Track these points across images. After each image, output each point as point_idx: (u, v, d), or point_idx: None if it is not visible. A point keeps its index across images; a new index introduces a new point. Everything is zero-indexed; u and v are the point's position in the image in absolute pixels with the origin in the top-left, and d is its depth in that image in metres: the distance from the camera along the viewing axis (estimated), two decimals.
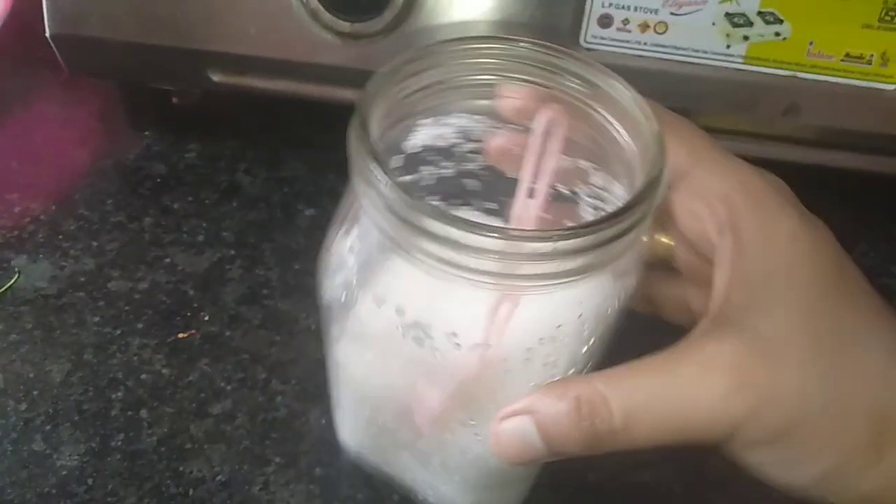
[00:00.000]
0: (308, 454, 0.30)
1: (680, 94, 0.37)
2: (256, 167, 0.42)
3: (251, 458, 0.30)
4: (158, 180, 0.41)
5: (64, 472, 0.29)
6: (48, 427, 0.30)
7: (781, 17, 0.35)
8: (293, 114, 0.43)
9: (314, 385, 0.33)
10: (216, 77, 0.38)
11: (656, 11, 0.35)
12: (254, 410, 0.32)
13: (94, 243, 0.37)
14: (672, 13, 0.35)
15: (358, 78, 0.38)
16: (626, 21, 0.35)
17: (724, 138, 0.39)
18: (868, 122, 0.37)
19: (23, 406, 0.31)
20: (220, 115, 0.44)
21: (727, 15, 0.35)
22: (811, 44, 0.35)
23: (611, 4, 0.35)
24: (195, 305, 0.35)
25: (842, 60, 0.35)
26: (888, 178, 0.39)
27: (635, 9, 0.35)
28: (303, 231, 0.39)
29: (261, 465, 0.30)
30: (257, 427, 0.31)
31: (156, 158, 0.42)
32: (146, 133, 0.43)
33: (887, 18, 0.34)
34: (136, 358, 0.33)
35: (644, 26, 0.35)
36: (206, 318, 0.35)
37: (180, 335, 0.34)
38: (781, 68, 0.36)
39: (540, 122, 0.21)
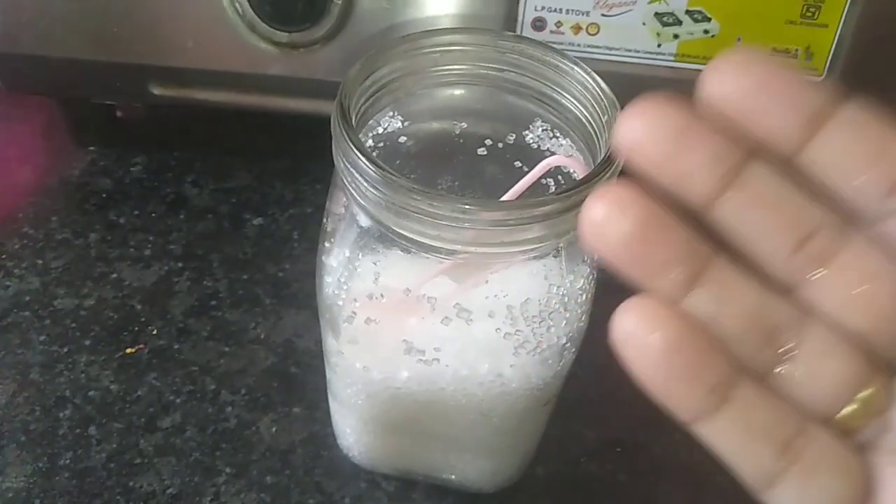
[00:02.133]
0: (258, 463, 0.31)
1: (613, 94, 0.38)
2: (203, 178, 0.42)
3: (201, 469, 0.30)
4: (104, 195, 0.40)
5: (10, 495, 0.29)
6: None
7: (709, 16, 0.36)
8: (239, 124, 0.43)
9: (264, 394, 0.33)
10: (157, 90, 0.38)
11: (588, 13, 0.35)
12: (203, 422, 0.32)
13: (39, 261, 0.37)
14: (603, 14, 0.36)
15: (299, 87, 0.38)
16: (558, 24, 0.36)
17: None
18: None
19: None
20: (165, 127, 0.44)
21: (657, 14, 0.36)
22: (739, 40, 0.36)
23: (543, 7, 0.35)
24: (143, 320, 0.35)
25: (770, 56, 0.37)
26: None
27: (567, 11, 0.35)
28: (251, 241, 0.39)
29: (211, 477, 0.30)
30: (207, 438, 0.31)
31: (101, 173, 0.42)
32: (91, 148, 0.43)
33: (808, 14, 0.36)
34: (83, 375, 0.33)
35: (577, 28, 0.36)
36: (155, 332, 0.35)
37: (128, 350, 0.34)
38: None
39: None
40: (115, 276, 0.37)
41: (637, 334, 0.14)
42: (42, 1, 0.35)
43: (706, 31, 0.36)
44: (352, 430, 0.28)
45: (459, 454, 0.26)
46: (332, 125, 0.20)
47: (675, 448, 0.32)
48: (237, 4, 0.35)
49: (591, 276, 0.21)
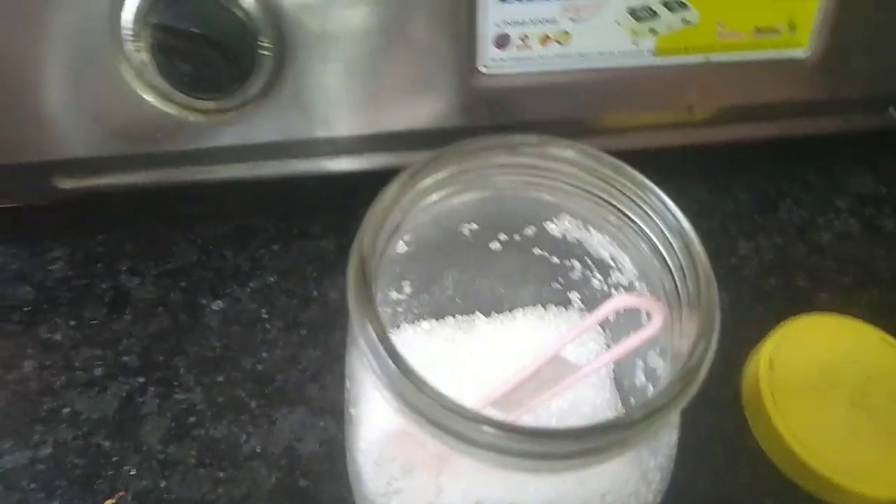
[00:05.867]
0: None
1: (592, 100, 0.34)
2: (141, 262, 0.36)
3: None
4: (27, 308, 0.34)
5: None
6: None
7: (686, 3, 0.32)
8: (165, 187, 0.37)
9: None
10: (64, 185, 0.32)
11: (555, 21, 0.31)
12: None
13: None
14: (572, 19, 0.31)
15: (234, 153, 0.33)
16: (524, 37, 0.31)
17: (640, 133, 0.37)
18: (787, 91, 0.36)
19: None
20: (79, 206, 0.38)
21: (630, 10, 0.32)
22: (719, 24, 0.33)
23: (504, 22, 0.31)
24: (115, 459, 0.30)
25: (752, 35, 0.33)
26: (806, 137, 0.39)
27: (532, 22, 0.31)
28: (216, 332, 0.34)
29: None
30: None
31: (17, 280, 0.35)
32: None
33: None
34: None
35: (545, 39, 0.32)
36: (133, 472, 0.30)
37: (107, 503, 0.29)
38: (693, 54, 0.33)
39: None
40: (67, 410, 0.32)
41: None
42: None
43: (684, 21, 0.32)
44: None
45: None
46: (349, 301, 0.16)
47: None
48: (144, 77, 0.28)
49: (676, 441, 0.19)
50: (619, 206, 0.18)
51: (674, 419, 0.18)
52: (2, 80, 0.28)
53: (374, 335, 0.15)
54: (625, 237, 0.19)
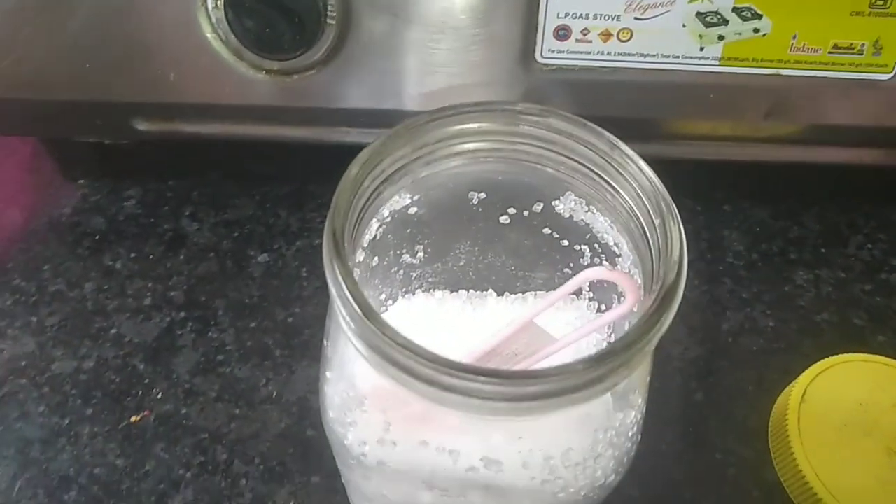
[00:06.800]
0: None
1: (651, 103, 0.34)
2: (202, 210, 0.39)
3: None
4: (97, 237, 0.38)
5: None
6: None
7: (760, 12, 0.31)
8: (236, 145, 0.40)
9: (279, 462, 0.31)
10: (142, 126, 0.35)
11: (618, 17, 0.31)
12: (217, 498, 0.30)
13: (34, 319, 0.35)
14: (637, 18, 0.31)
15: (296, 115, 0.35)
16: (585, 31, 0.31)
17: (703, 144, 0.36)
18: (862, 116, 0.34)
19: None
20: (158, 153, 0.41)
21: (699, 14, 0.31)
22: (794, 37, 0.32)
23: (567, 14, 0.31)
24: (146, 381, 0.33)
25: (829, 53, 0.32)
26: (883, 168, 0.36)
27: (595, 17, 0.31)
28: (256, 282, 0.36)
29: None
30: None
31: (93, 210, 0.39)
32: (81, 181, 0.40)
33: (880, 3, 0.31)
34: (87, 450, 0.31)
35: (606, 35, 0.31)
36: (159, 396, 0.32)
37: (133, 419, 0.32)
38: (762, 67, 0.32)
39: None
40: (114, 331, 0.34)
41: None
42: (10, 41, 0.31)
43: (756, 30, 0.31)
44: None
45: None
46: (323, 251, 0.17)
47: None
48: (220, 32, 0.31)
49: (642, 407, 0.18)
50: (612, 182, 0.18)
51: (629, 395, 0.18)
52: (94, 23, 0.31)
53: (339, 276, 0.16)
54: (620, 218, 0.19)
